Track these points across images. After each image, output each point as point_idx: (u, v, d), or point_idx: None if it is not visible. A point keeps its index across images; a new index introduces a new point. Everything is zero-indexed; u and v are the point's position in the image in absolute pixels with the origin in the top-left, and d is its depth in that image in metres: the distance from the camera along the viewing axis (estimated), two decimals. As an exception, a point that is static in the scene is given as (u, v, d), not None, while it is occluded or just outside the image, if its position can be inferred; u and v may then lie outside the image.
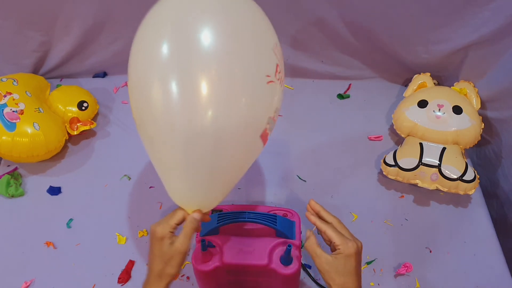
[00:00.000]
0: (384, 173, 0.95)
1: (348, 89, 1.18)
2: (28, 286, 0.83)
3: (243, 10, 0.59)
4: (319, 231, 0.65)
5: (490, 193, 1.02)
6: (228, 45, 0.55)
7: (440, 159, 0.91)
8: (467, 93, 1.02)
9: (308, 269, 0.84)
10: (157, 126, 0.57)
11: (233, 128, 0.56)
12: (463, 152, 0.95)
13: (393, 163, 0.93)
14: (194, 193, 0.61)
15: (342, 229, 0.64)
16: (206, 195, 0.62)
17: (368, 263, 0.86)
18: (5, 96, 0.96)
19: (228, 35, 0.55)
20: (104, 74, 1.21)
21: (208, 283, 0.76)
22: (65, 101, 1.05)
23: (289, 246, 0.68)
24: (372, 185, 0.98)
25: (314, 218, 0.65)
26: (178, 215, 0.61)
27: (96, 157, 1.04)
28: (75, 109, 1.04)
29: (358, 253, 0.61)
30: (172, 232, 0.60)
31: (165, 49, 0.55)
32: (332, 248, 0.63)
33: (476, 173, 0.90)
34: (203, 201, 0.63)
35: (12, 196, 0.96)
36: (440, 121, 0.96)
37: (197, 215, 0.61)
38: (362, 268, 0.84)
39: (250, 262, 0.71)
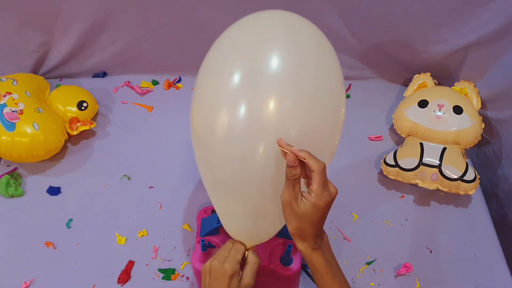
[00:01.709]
0: (384, 173, 0.95)
1: (348, 89, 1.18)
2: (28, 286, 0.83)
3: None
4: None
5: (490, 193, 1.02)
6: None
7: (441, 159, 0.91)
8: (468, 93, 1.02)
9: (308, 270, 0.84)
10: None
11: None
12: (463, 152, 0.95)
13: (394, 163, 0.93)
14: (258, 232, 0.64)
15: (325, 169, 0.56)
16: (267, 232, 0.65)
17: (368, 263, 0.86)
18: (4, 96, 0.96)
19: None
20: (104, 74, 1.21)
21: (208, 283, 0.75)
22: (64, 101, 1.05)
23: (289, 246, 0.68)
24: (372, 185, 0.98)
25: (304, 154, 0.54)
26: (241, 250, 0.63)
27: (96, 157, 1.04)
28: (74, 109, 1.04)
29: (328, 206, 0.55)
30: (239, 268, 0.61)
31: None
32: (306, 184, 0.57)
33: (476, 173, 0.90)
34: (263, 238, 0.65)
35: (12, 196, 0.96)
36: (440, 121, 0.96)
37: (256, 255, 0.64)
38: (362, 269, 0.85)
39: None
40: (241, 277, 0.60)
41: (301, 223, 0.56)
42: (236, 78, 0.56)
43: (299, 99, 0.56)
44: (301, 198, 0.55)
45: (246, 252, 0.63)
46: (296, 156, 0.53)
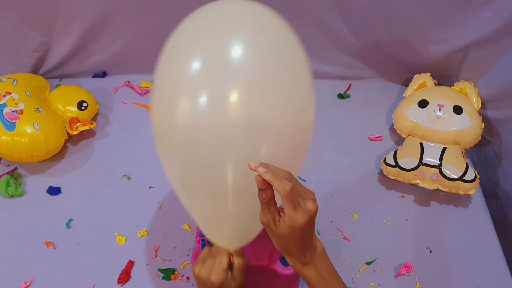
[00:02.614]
0: (384, 173, 0.95)
1: (348, 89, 1.18)
2: (28, 286, 0.83)
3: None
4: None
5: (490, 193, 1.02)
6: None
7: (441, 159, 0.91)
8: (468, 93, 1.02)
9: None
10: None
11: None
12: (463, 152, 0.95)
13: (394, 163, 0.93)
14: (235, 233, 0.62)
15: (297, 191, 0.52)
16: (250, 230, 0.63)
17: (368, 263, 0.86)
18: (4, 96, 0.96)
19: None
20: (104, 74, 1.21)
21: (208, 284, 0.75)
22: (64, 101, 1.05)
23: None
24: (372, 185, 0.98)
25: (268, 176, 0.50)
26: (225, 259, 0.61)
27: (96, 157, 1.04)
28: (74, 109, 1.04)
29: (306, 225, 0.52)
30: (227, 274, 0.60)
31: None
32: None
33: (476, 173, 0.90)
34: (248, 236, 0.64)
35: (12, 196, 0.96)
36: (440, 121, 0.96)
37: (241, 257, 0.63)
38: (362, 269, 0.85)
39: (250, 262, 0.71)
40: (231, 278, 0.60)
41: (284, 242, 0.54)
42: (196, 66, 0.53)
43: (260, 89, 0.53)
44: (278, 219, 0.52)
45: (231, 257, 0.62)
46: (261, 177, 0.50)
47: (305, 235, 0.54)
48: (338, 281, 0.60)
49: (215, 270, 0.60)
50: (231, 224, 0.60)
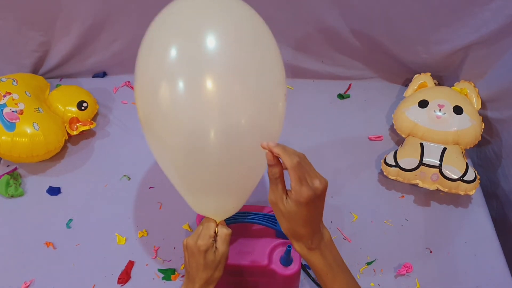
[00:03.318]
0: (384, 173, 0.95)
1: (348, 89, 1.18)
2: (28, 286, 0.83)
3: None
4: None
5: (490, 193, 1.02)
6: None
7: (441, 160, 0.91)
8: (468, 93, 1.02)
9: (308, 270, 0.84)
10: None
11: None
12: (463, 152, 0.95)
13: (394, 163, 0.93)
14: (220, 204, 0.65)
15: (305, 168, 0.53)
16: (231, 205, 0.67)
17: (368, 263, 0.86)
18: (4, 96, 0.96)
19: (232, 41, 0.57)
20: (103, 74, 1.21)
21: (208, 284, 0.76)
22: (64, 101, 1.05)
23: (289, 246, 0.68)
24: (372, 185, 0.98)
25: (278, 150, 0.53)
26: (213, 225, 0.65)
27: (96, 157, 1.04)
28: (74, 109, 1.04)
29: (312, 201, 0.52)
30: (213, 241, 0.64)
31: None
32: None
33: (476, 174, 0.90)
34: (228, 210, 0.67)
35: (12, 196, 0.96)
36: (440, 121, 0.96)
37: (225, 227, 0.67)
38: (362, 269, 0.85)
39: (250, 263, 0.71)
40: (215, 249, 0.63)
41: (291, 223, 0.55)
42: (173, 54, 0.56)
43: (231, 79, 0.56)
44: (286, 197, 0.54)
45: (217, 227, 0.66)
46: (272, 152, 0.52)
47: (312, 216, 0.55)
48: (345, 271, 0.60)
49: (202, 235, 0.64)
50: (214, 196, 0.64)
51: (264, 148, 0.53)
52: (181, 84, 0.55)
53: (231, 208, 0.67)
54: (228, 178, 0.62)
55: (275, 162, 0.52)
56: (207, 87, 0.55)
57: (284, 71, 0.64)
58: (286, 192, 0.54)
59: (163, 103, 0.57)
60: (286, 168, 0.53)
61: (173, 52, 0.56)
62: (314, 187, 0.52)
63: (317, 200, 0.53)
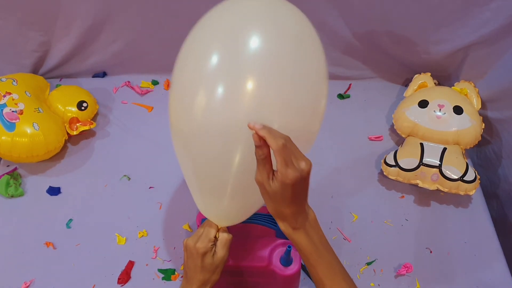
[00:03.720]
0: (384, 173, 0.95)
1: (348, 89, 1.18)
2: (28, 286, 0.83)
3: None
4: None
5: (490, 193, 1.02)
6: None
7: (441, 160, 0.91)
8: (468, 93, 1.02)
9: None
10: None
11: None
12: (463, 153, 0.95)
13: (394, 163, 0.93)
14: (228, 213, 0.65)
15: (290, 149, 0.53)
16: (238, 214, 0.67)
17: (368, 263, 0.86)
18: (4, 96, 0.96)
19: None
20: (103, 74, 1.21)
21: (208, 284, 0.76)
22: (64, 101, 1.05)
23: (289, 247, 0.68)
24: (372, 185, 0.98)
25: (264, 132, 0.53)
26: (213, 230, 0.66)
27: (95, 157, 1.04)
28: (74, 109, 1.04)
29: (297, 182, 0.53)
30: (212, 245, 0.64)
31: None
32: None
33: (476, 174, 0.90)
34: (233, 218, 0.67)
35: (12, 196, 0.96)
36: (440, 121, 0.96)
37: (227, 233, 0.67)
38: (362, 269, 0.85)
39: (250, 263, 0.71)
40: (214, 252, 0.64)
41: (276, 203, 0.56)
42: (214, 61, 0.55)
43: (278, 81, 0.56)
44: (272, 178, 0.54)
45: (218, 231, 0.66)
46: (258, 134, 0.52)
47: (297, 196, 0.55)
48: (330, 251, 0.60)
49: (202, 238, 0.64)
50: (225, 205, 0.63)
51: (250, 129, 0.53)
52: (220, 90, 0.55)
53: (238, 217, 0.67)
54: (250, 185, 0.61)
55: (262, 143, 0.53)
56: (246, 91, 0.55)
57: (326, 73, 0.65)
58: (272, 172, 0.54)
59: (197, 112, 0.57)
60: None
61: (213, 59, 0.56)
62: (300, 169, 0.53)
63: (302, 181, 0.54)
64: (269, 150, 0.53)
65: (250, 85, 0.54)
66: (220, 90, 0.55)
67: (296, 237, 0.58)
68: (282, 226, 0.58)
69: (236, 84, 0.55)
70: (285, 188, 0.53)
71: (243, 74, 0.55)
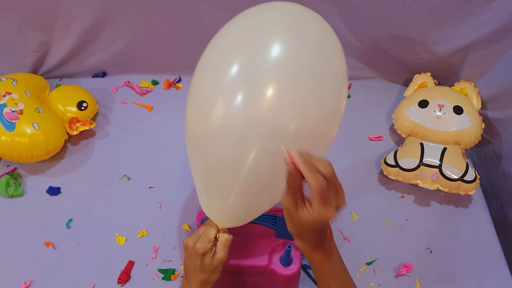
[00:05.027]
0: (384, 173, 0.95)
1: (348, 89, 1.17)
2: (27, 286, 0.83)
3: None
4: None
5: (490, 193, 1.02)
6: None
7: (441, 160, 0.91)
8: (468, 93, 1.02)
9: (308, 270, 0.84)
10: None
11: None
12: (463, 153, 0.95)
13: (394, 163, 0.93)
14: (232, 215, 0.65)
15: (330, 189, 0.50)
16: (241, 217, 0.66)
17: (369, 263, 0.86)
18: (4, 96, 0.96)
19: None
20: (103, 74, 1.21)
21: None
22: (64, 101, 1.05)
23: (289, 247, 0.68)
24: (372, 185, 0.98)
25: (303, 167, 0.48)
26: (214, 230, 0.65)
27: (95, 157, 1.04)
28: (74, 109, 1.04)
29: (332, 220, 0.51)
30: (212, 246, 0.64)
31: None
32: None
33: (476, 174, 0.90)
34: (236, 221, 0.67)
35: (12, 196, 0.96)
36: (440, 121, 0.96)
37: (227, 233, 0.66)
38: (362, 269, 0.85)
39: (250, 263, 0.71)
40: (213, 253, 0.64)
41: (301, 229, 0.53)
42: (234, 69, 0.56)
43: (298, 89, 0.56)
44: (303, 207, 0.50)
45: (218, 232, 0.66)
46: (297, 166, 0.48)
47: (325, 228, 0.55)
48: (343, 267, 0.59)
49: (201, 238, 0.64)
50: (229, 208, 0.63)
51: (287, 160, 0.49)
52: (238, 100, 0.55)
53: (241, 220, 0.67)
54: (257, 190, 0.60)
55: (295, 171, 0.48)
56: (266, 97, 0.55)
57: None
58: (302, 200, 0.51)
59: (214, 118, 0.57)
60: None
61: (234, 66, 0.56)
62: (337, 207, 0.51)
63: (335, 218, 0.51)
64: (302, 181, 0.49)
65: (270, 90, 0.54)
66: (239, 96, 0.55)
67: (314, 256, 0.57)
68: (299, 244, 0.56)
69: (257, 89, 0.55)
70: (316, 224, 0.51)
71: (264, 79, 0.55)
